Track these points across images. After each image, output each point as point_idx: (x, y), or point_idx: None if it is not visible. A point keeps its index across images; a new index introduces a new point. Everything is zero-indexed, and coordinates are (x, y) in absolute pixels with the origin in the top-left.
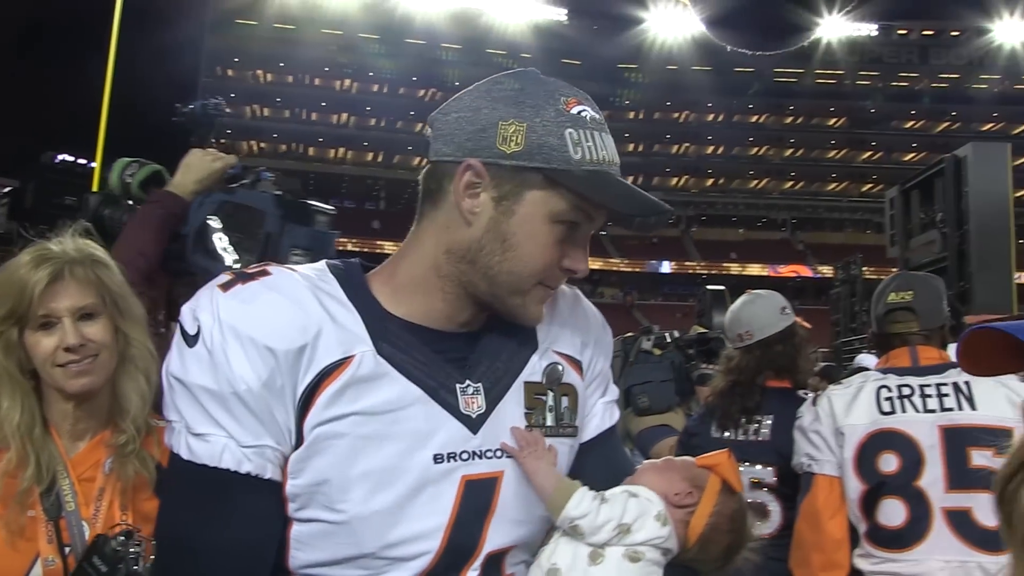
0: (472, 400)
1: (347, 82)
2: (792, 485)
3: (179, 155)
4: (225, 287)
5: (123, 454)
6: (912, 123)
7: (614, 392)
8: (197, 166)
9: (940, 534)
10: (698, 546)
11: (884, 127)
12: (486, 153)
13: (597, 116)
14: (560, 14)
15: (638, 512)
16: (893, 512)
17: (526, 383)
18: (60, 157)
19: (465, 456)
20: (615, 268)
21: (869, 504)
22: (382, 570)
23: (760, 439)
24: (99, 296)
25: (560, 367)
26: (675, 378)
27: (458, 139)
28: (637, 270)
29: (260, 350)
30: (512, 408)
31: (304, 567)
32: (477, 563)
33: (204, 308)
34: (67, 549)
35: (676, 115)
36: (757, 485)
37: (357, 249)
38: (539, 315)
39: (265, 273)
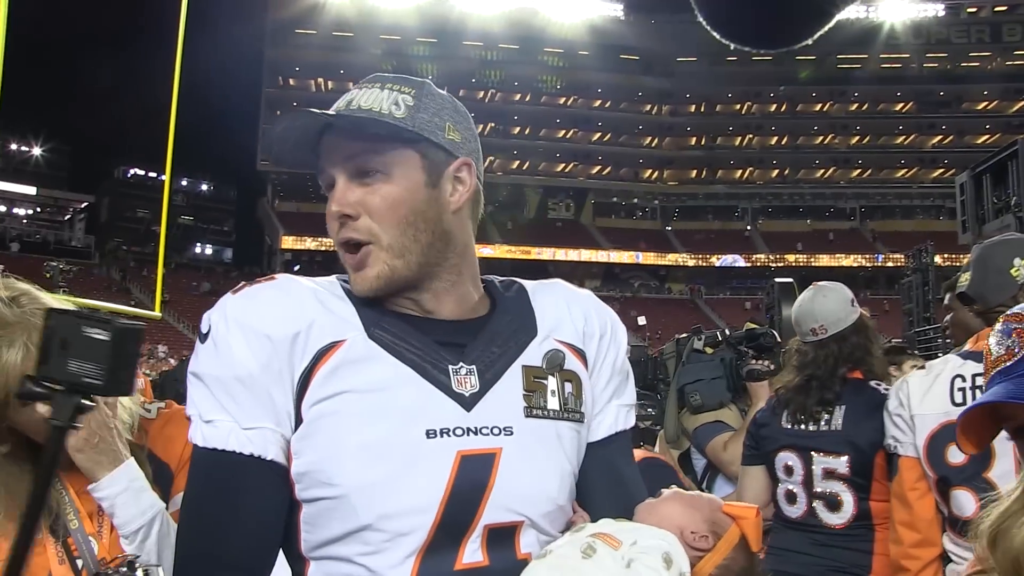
0: (465, 380)
1: None
2: (865, 475)
3: (240, 164)
4: (236, 290)
5: None
6: (985, 104)
7: (631, 396)
8: None
9: None
10: None
11: (954, 110)
12: None
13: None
14: (616, 9)
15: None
16: (965, 503)
17: (524, 367)
18: (131, 171)
19: (459, 432)
20: (682, 264)
21: (943, 492)
22: (383, 546)
23: (832, 429)
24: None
25: (561, 353)
26: (726, 375)
27: None
28: (704, 264)
29: (259, 337)
30: (509, 389)
31: (314, 548)
32: (475, 536)
33: (217, 309)
34: (79, 562)
35: (737, 107)
36: (830, 474)
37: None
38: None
39: (271, 278)
